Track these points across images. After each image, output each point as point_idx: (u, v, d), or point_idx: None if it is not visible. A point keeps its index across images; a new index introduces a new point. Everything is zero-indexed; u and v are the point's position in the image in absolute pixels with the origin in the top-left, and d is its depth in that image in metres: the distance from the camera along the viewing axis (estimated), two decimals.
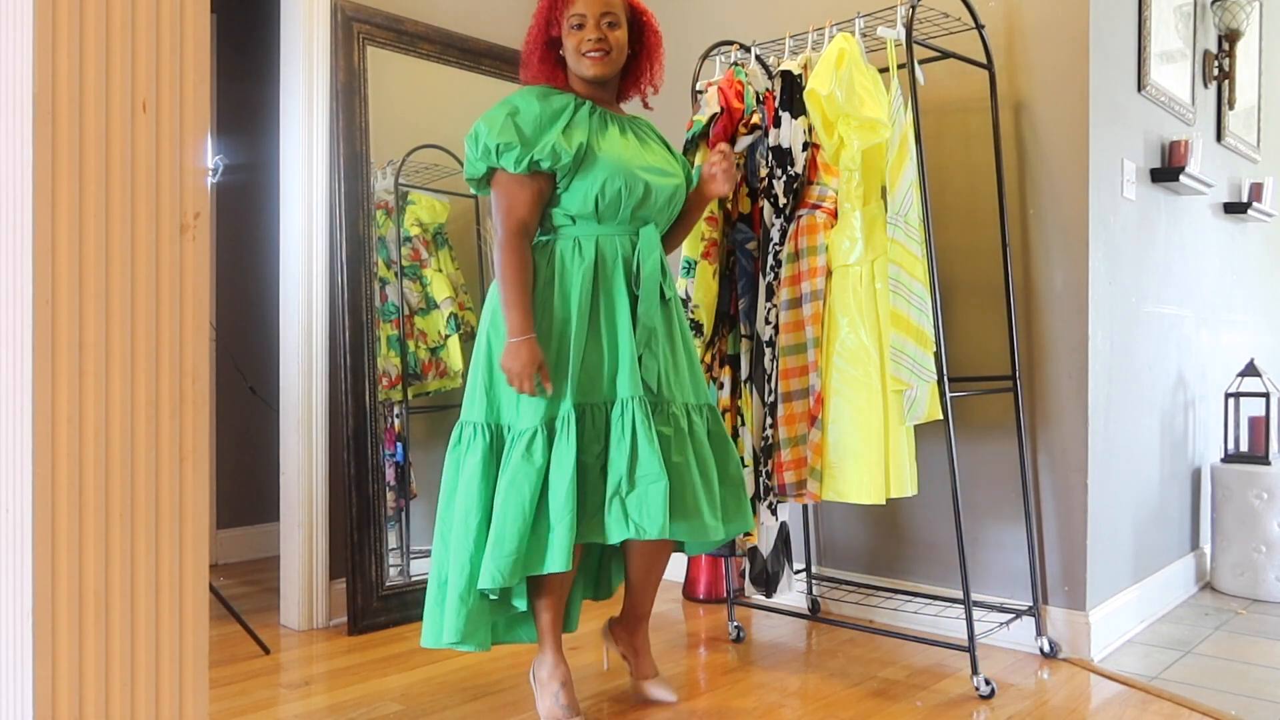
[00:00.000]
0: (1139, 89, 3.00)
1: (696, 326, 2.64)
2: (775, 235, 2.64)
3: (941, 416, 2.43)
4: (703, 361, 2.68)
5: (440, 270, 3.26)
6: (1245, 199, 3.77)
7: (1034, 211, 2.76)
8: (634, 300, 2.17)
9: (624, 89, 2.33)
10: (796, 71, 2.61)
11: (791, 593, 2.74)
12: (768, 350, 2.62)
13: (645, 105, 2.40)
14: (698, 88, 2.85)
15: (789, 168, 2.59)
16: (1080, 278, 2.68)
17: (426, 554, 3.20)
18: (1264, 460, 3.43)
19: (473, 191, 2.25)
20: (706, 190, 2.35)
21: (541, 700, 2.22)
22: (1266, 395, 3.51)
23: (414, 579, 3.11)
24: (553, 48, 2.24)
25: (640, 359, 2.14)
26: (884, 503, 2.48)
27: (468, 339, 3.31)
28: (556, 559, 2.02)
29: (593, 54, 2.16)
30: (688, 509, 2.12)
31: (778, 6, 3.27)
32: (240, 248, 3.93)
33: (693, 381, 2.26)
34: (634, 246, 2.18)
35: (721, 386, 2.67)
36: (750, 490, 2.62)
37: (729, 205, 2.73)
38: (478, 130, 2.11)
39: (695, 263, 2.68)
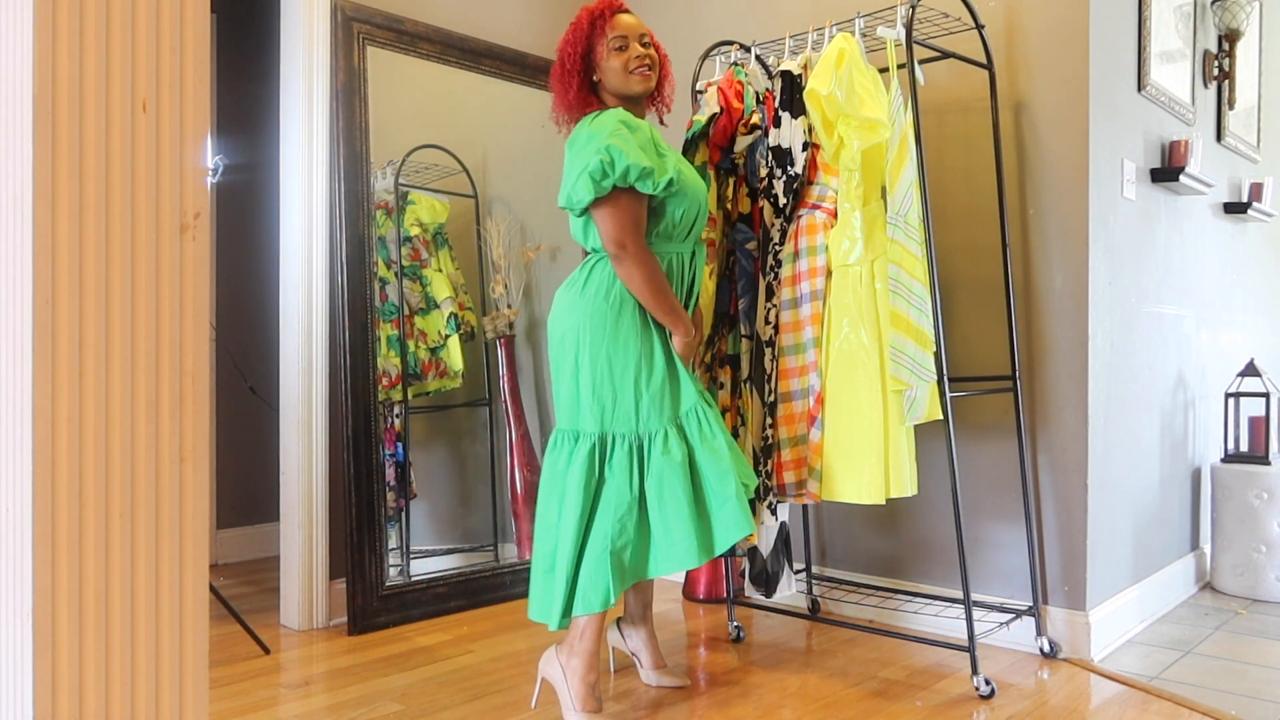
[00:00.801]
0: (1139, 89, 3.00)
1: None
2: (775, 235, 2.64)
3: (941, 416, 2.43)
4: (703, 362, 2.68)
5: (440, 270, 3.26)
6: (1245, 199, 3.77)
7: (1034, 211, 2.76)
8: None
9: (643, 109, 2.46)
10: (796, 71, 2.61)
11: (791, 593, 2.74)
12: (767, 350, 2.62)
13: (662, 122, 2.51)
14: (697, 88, 2.84)
15: (789, 168, 2.59)
16: (1080, 278, 2.68)
17: (426, 554, 3.20)
18: (1264, 460, 3.42)
19: (574, 210, 2.28)
20: None
21: (571, 686, 2.24)
22: (1266, 395, 3.51)
23: (414, 579, 3.11)
24: (588, 75, 2.34)
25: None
26: (884, 503, 2.48)
27: (467, 339, 3.31)
28: (739, 528, 2.19)
29: (641, 70, 2.31)
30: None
31: (778, 6, 3.27)
32: (240, 248, 3.93)
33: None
34: (683, 262, 2.36)
35: (721, 386, 2.67)
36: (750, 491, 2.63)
37: (729, 205, 2.73)
38: (614, 154, 2.16)
39: None
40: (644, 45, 2.33)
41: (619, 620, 2.58)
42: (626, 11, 2.36)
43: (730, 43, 2.92)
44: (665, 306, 2.25)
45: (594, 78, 2.34)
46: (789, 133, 2.59)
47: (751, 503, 2.61)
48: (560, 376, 2.30)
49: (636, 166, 2.16)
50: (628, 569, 2.19)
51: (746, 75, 2.73)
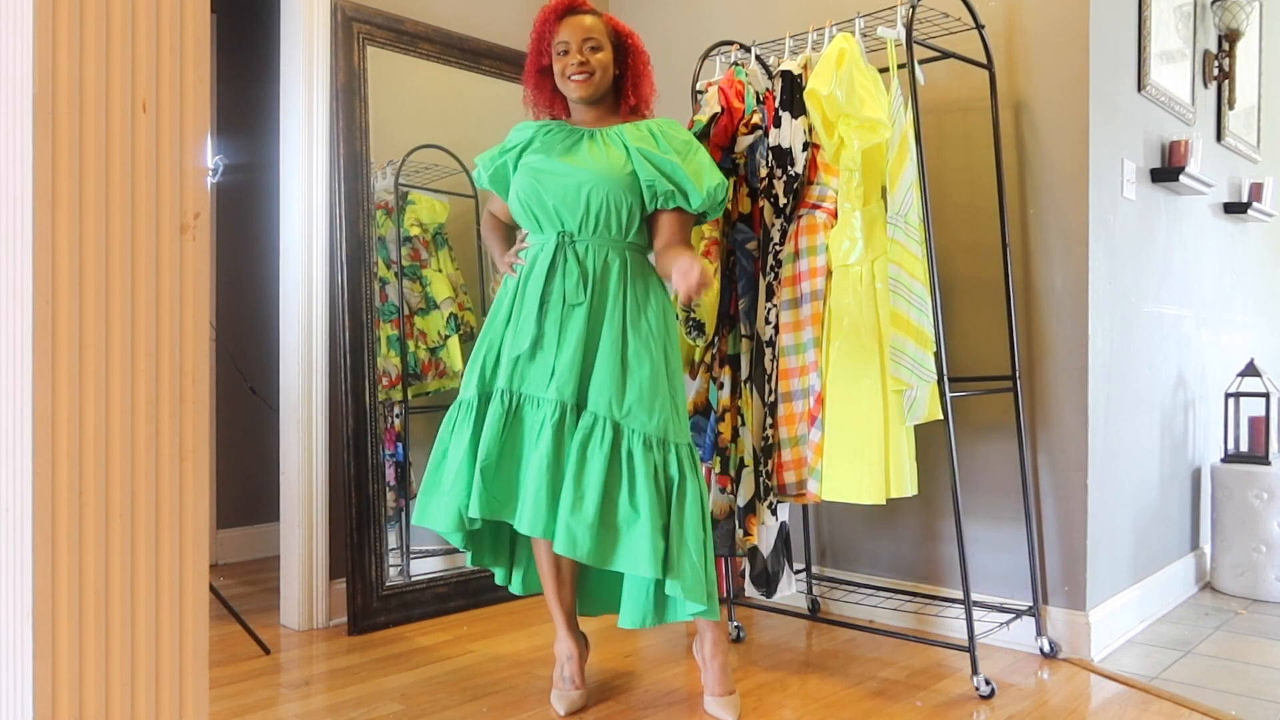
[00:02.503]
0: (1139, 89, 3.00)
1: (699, 326, 2.64)
2: (775, 235, 2.64)
3: (941, 416, 2.43)
4: (702, 361, 2.68)
5: (440, 270, 3.26)
6: (1245, 199, 3.77)
7: (1034, 211, 2.76)
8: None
9: (620, 106, 2.43)
10: (796, 72, 2.61)
11: (791, 592, 2.74)
12: (768, 350, 2.62)
13: (642, 116, 2.44)
14: (698, 88, 2.84)
15: (789, 168, 2.59)
16: (1080, 278, 2.68)
17: (426, 554, 3.20)
18: (1264, 460, 3.42)
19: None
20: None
21: (554, 671, 2.43)
22: (1266, 395, 3.51)
23: (414, 579, 3.11)
24: (546, 75, 2.41)
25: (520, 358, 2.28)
26: (884, 503, 2.48)
27: (468, 339, 3.31)
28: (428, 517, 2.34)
29: (576, 76, 2.32)
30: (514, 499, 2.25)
31: (778, 6, 3.27)
32: (240, 248, 3.92)
33: (592, 388, 2.22)
34: (540, 254, 2.31)
35: (721, 386, 2.67)
36: (750, 490, 2.62)
37: (729, 205, 2.73)
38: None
39: None
40: (591, 50, 2.31)
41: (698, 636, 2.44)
42: (578, 12, 2.34)
43: (730, 43, 2.92)
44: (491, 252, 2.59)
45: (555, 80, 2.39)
46: (789, 133, 2.59)
47: (752, 501, 2.61)
48: None
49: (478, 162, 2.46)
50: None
51: (747, 75, 2.73)
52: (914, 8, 2.46)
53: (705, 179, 2.29)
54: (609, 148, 2.31)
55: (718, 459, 2.67)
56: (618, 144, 2.31)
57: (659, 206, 2.31)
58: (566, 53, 2.31)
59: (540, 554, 2.37)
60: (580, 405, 2.21)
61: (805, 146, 2.59)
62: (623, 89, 2.39)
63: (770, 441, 2.60)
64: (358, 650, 2.78)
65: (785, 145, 2.60)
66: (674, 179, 2.28)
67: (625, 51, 2.38)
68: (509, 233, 2.56)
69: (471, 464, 2.24)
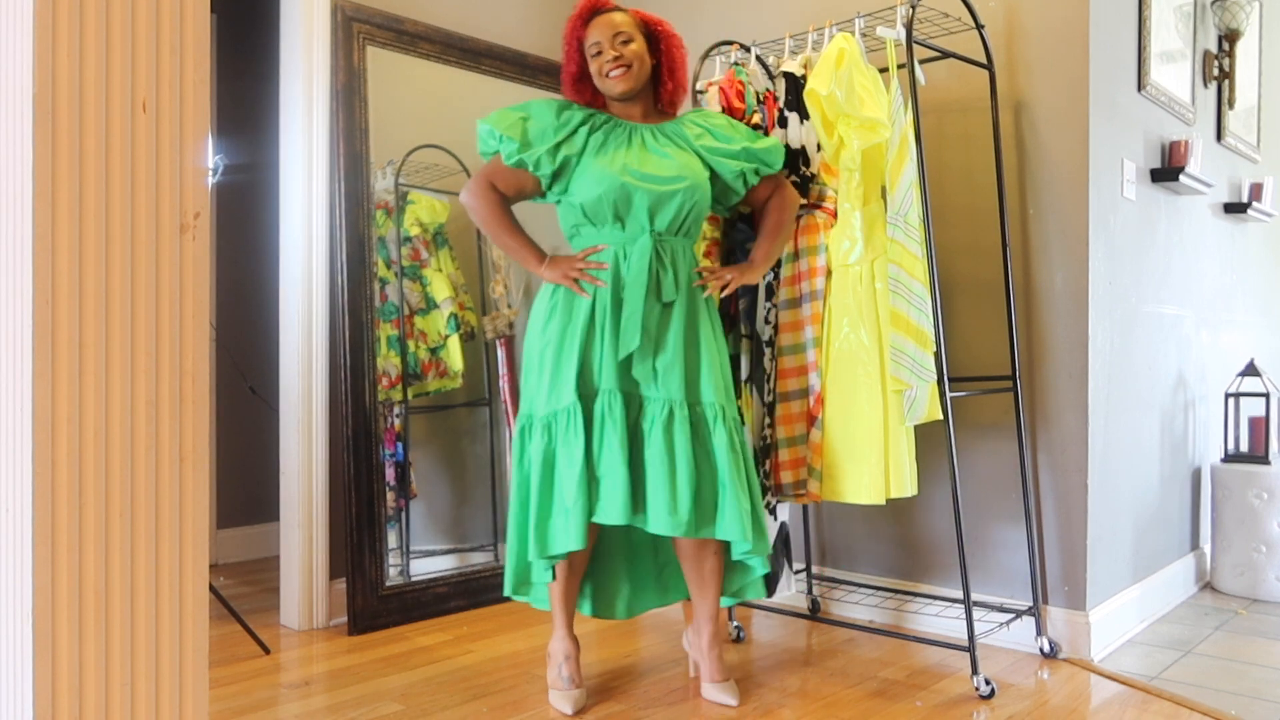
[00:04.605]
0: (1139, 89, 3.00)
1: None
2: None
3: (941, 416, 2.43)
4: None
5: (440, 270, 3.26)
6: (1245, 199, 3.77)
7: (1034, 211, 2.76)
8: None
9: (659, 98, 2.43)
10: (798, 73, 2.62)
11: (791, 593, 2.74)
12: (767, 350, 2.62)
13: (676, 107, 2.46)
14: (698, 88, 2.85)
15: (803, 169, 2.59)
16: (1080, 278, 2.69)
17: (426, 554, 3.20)
18: (1264, 460, 3.42)
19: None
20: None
21: (549, 672, 2.40)
22: (1266, 395, 3.51)
23: (414, 579, 3.11)
24: (584, 81, 2.39)
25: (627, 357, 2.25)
26: (884, 503, 2.48)
27: (467, 339, 3.31)
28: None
29: (614, 72, 2.31)
30: (640, 501, 2.22)
31: (778, 6, 3.27)
32: (240, 248, 3.93)
33: (701, 380, 2.29)
34: (624, 255, 2.29)
35: None
36: None
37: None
38: (493, 118, 2.34)
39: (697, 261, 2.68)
40: (623, 44, 2.30)
41: (688, 629, 2.52)
42: (604, 12, 2.34)
43: (730, 43, 2.92)
44: (503, 245, 2.40)
45: (593, 82, 2.38)
46: (799, 135, 2.61)
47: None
48: None
49: (499, 133, 2.32)
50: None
51: (747, 75, 2.73)
52: (914, 8, 2.46)
53: (769, 144, 2.42)
54: (682, 151, 2.34)
55: None
56: (686, 147, 2.35)
57: (750, 185, 2.43)
58: (600, 52, 2.31)
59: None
60: (689, 400, 2.26)
61: (818, 148, 2.60)
62: (661, 76, 2.39)
63: (768, 441, 2.60)
64: (358, 650, 2.78)
65: (796, 147, 2.60)
66: (756, 158, 2.39)
67: (658, 39, 2.38)
68: (513, 215, 2.45)
69: (589, 471, 2.20)
